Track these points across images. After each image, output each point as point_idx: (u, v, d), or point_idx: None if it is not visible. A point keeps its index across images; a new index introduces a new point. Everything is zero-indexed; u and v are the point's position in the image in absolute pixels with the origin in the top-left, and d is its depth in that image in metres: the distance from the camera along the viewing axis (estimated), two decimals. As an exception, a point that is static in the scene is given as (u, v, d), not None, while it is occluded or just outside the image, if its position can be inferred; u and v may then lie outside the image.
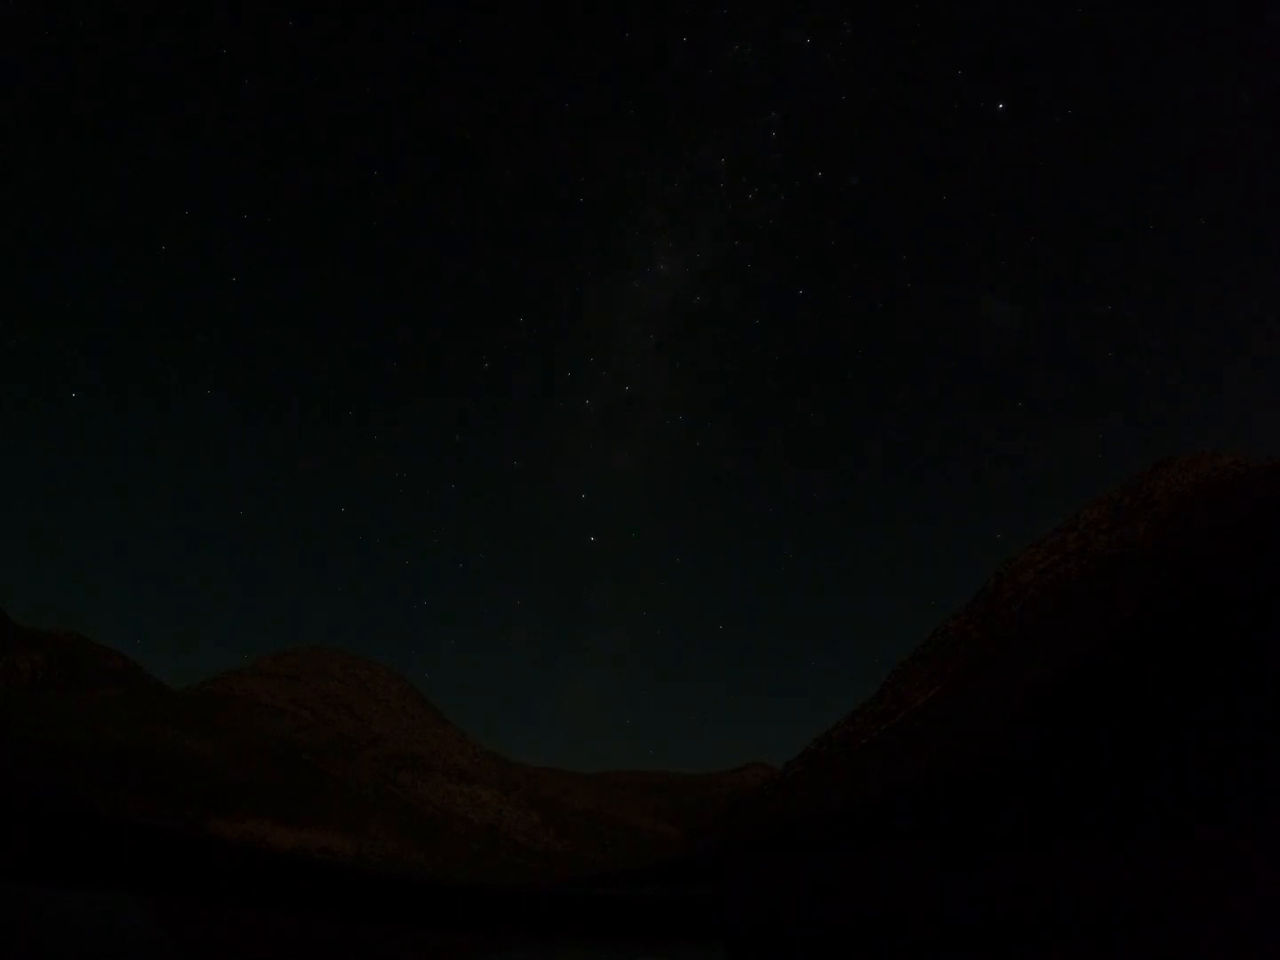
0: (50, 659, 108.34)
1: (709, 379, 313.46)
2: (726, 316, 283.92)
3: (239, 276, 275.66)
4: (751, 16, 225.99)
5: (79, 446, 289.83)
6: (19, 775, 66.41)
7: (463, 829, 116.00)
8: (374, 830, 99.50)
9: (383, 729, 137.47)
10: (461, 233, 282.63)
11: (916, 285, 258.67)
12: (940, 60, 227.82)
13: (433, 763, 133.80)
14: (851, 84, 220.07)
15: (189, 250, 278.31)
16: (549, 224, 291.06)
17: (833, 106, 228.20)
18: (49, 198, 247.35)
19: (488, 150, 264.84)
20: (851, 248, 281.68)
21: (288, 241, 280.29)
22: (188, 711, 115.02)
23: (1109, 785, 29.91)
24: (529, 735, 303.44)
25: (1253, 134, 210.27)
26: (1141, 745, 32.46)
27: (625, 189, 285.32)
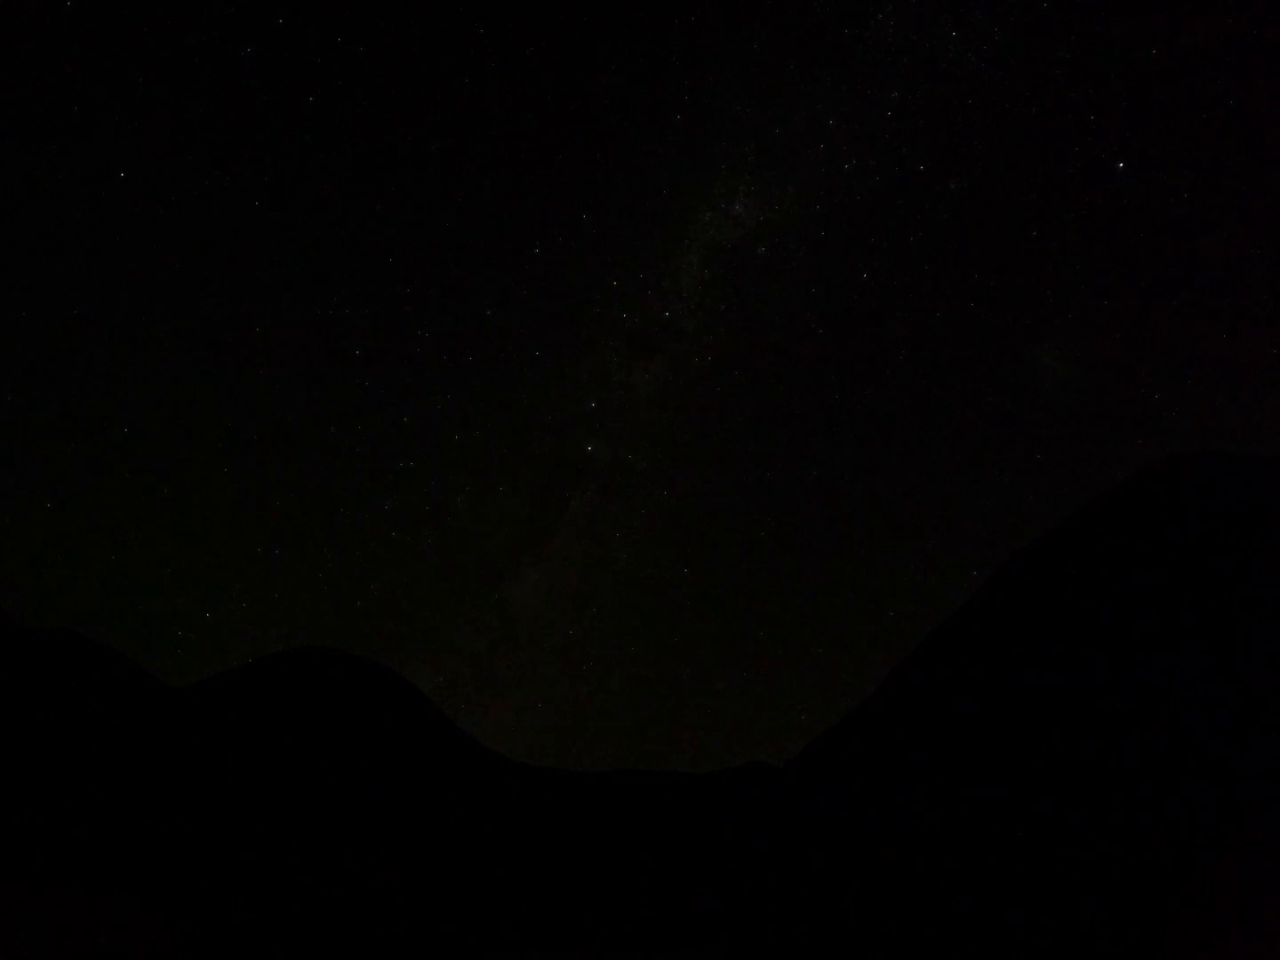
0: (49, 659, 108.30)
1: (748, 331, 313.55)
2: (785, 276, 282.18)
3: (238, 256, 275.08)
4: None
5: (78, 445, 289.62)
6: (18, 776, 66.32)
7: (463, 830, 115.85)
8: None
9: (383, 729, 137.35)
10: (543, 117, 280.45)
11: (980, 310, 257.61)
12: (1077, 98, 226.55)
13: (434, 763, 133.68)
14: (984, 91, 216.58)
15: (184, 239, 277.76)
16: (635, 133, 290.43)
17: (958, 106, 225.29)
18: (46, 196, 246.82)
19: (596, 44, 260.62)
20: (930, 251, 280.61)
21: (307, 174, 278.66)
22: (188, 711, 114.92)
23: (1109, 784, 29.86)
24: (527, 734, 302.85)
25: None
26: (1143, 743, 32.40)
27: (724, 118, 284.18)
